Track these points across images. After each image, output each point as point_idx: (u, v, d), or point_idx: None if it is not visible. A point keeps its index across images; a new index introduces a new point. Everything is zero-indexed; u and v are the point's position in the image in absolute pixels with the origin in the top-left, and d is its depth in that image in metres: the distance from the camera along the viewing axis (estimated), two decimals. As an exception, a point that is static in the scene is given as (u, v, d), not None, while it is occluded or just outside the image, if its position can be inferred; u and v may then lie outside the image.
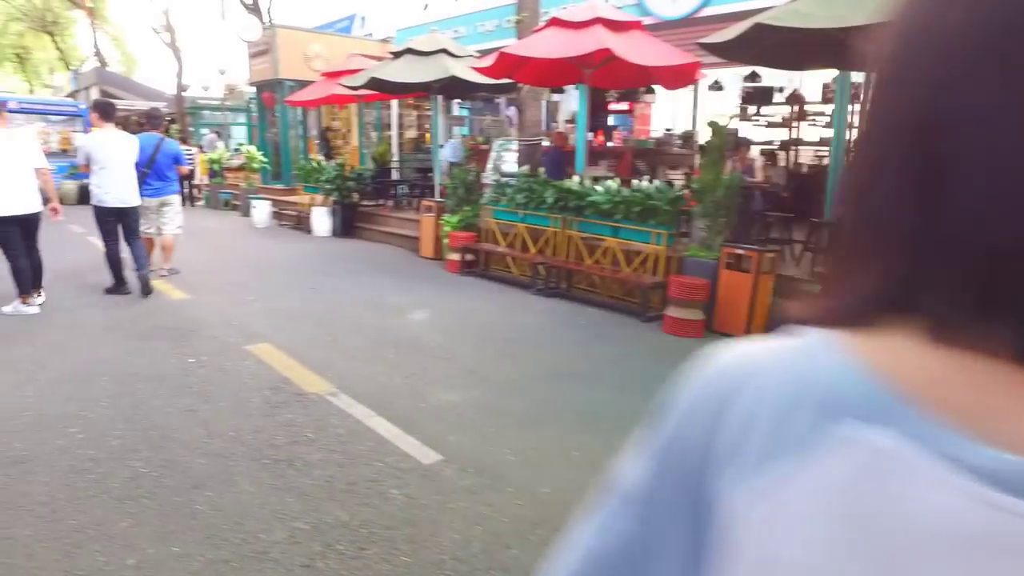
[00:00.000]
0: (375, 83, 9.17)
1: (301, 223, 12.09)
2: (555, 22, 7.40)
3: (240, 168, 16.46)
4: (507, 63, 7.63)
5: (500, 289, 7.28)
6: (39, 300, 5.89)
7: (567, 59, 7.52)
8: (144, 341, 4.87)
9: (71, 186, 16.08)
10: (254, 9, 17.11)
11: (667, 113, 17.75)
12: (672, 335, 5.82)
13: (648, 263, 6.76)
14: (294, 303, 6.13)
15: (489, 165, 11.28)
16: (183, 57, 21.90)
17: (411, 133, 16.49)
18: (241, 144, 18.20)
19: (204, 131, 24.38)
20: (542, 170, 8.01)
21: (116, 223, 6.42)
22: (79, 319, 5.47)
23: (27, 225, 5.67)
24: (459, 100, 15.50)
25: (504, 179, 8.35)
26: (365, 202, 12.03)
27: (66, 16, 35.34)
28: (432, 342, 5.07)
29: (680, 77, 8.01)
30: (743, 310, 5.90)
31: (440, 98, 11.09)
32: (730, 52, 6.77)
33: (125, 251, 6.41)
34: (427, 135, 16.57)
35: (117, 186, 6.28)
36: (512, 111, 16.71)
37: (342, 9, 21.90)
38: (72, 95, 34.06)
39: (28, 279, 5.70)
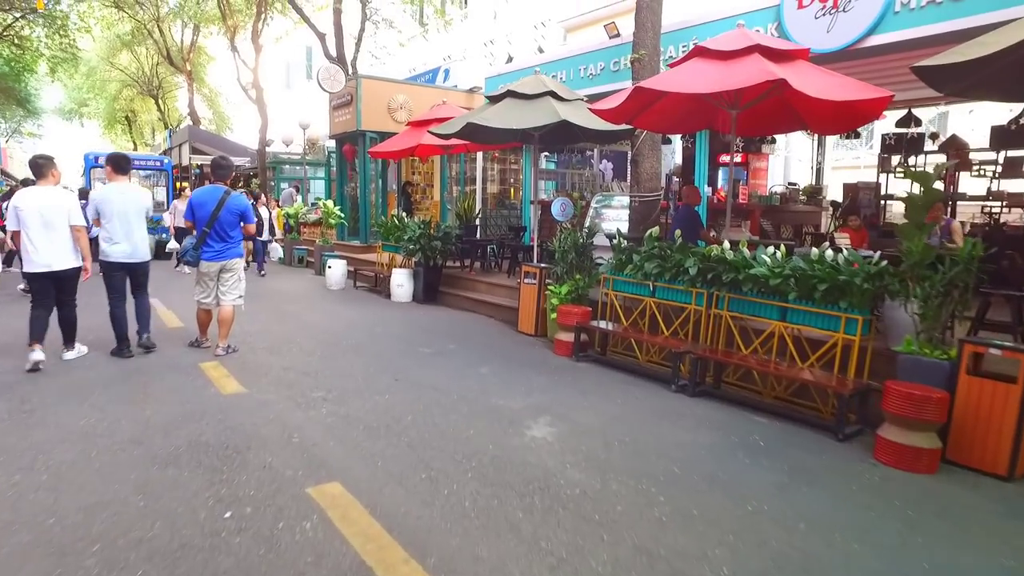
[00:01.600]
0: (470, 130, 7.97)
1: (379, 285, 10.92)
2: (700, 52, 5.95)
3: (316, 223, 15.74)
4: (640, 101, 6.23)
5: (629, 382, 5.68)
6: (70, 354, 5.91)
7: (707, 98, 6.09)
8: (171, 468, 3.51)
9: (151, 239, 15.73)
10: (338, 61, 16.66)
11: (776, 165, 16.08)
12: (891, 467, 4.05)
13: (835, 357, 5.04)
14: (374, 404, 4.71)
15: (586, 223, 9.81)
16: (267, 112, 21.85)
17: (493, 188, 15.38)
18: (319, 198, 17.59)
19: (284, 185, 24.29)
20: (678, 233, 6.47)
21: (123, 279, 6.17)
22: (101, 422, 4.22)
23: (60, 282, 5.74)
24: (547, 153, 14.34)
25: (621, 242, 6.85)
26: (449, 263, 10.79)
27: (170, 80, 37.10)
28: (572, 486, 3.49)
29: (848, 117, 6.37)
30: (1002, 436, 4.08)
31: (533, 149, 9.88)
32: (946, 80, 5.14)
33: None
34: (512, 190, 15.42)
35: (122, 240, 6.04)
36: (605, 164, 15.39)
37: (426, 63, 21.49)
38: (167, 152, 35.48)
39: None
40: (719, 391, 5.46)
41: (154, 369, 5.54)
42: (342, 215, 14.58)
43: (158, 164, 17.53)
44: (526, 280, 7.83)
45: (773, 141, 12.31)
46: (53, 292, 5.72)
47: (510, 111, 7.76)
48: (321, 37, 17.21)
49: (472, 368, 5.90)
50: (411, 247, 10.02)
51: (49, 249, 5.56)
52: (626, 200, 10.27)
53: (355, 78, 13.79)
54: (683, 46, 9.27)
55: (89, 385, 5.08)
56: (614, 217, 10.44)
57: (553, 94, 7.96)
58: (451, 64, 20.17)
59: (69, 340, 5.95)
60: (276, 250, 14.22)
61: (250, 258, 12.02)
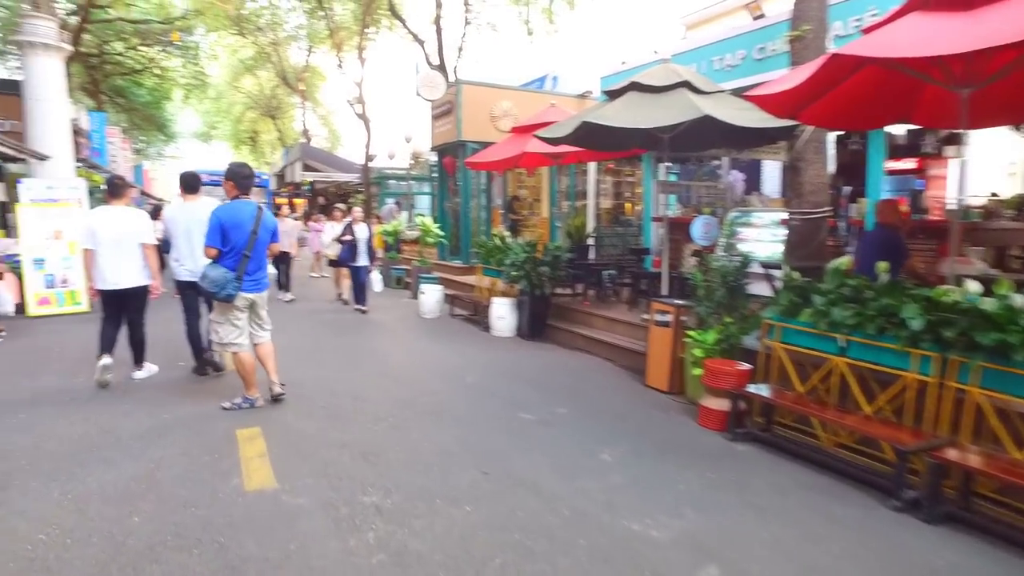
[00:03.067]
0: (584, 132, 6.44)
1: (478, 314, 9.59)
2: (919, 4, 4.11)
3: (416, 241, 14.78)
4: (823, 80, 4.48)
5: (818, 488, 3.88)
6: (140, 374, 6.02)
7: (916, 75, 4.27)
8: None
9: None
10: (440, 68, 15.71)
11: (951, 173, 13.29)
12: None
13: None
14: (447, 527, 3.21)
15: (719, 245, 7.94)
16: (372, 127, 21.43)
17: (606, 202, 13.71)
18: (420, 215, 16.70)
19: (388, 200, 23.84)
20: (883, 266, 4.59)
21: (195, 297, 6.02)
22: (60, 533, 3.03)
23: (127, 299, 5.85)
24: (669, 163, 12.51)
25: (792, 275, 5.05)
26: (559, 290, 9.28)
27: (287, 101, 38.41)
28: None
29: None
30: None
31: (654, 157, 8.19)
32: None
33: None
34: (628, 205, 13.71)
35: (187, 259, 5.90)
36: (735, 175, 13.32)
37: (532, 72, 20.22)
38: (282, 170, 36.67)
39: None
40: (971, 515, 3.56)
41: (182, 432, 4.41)
42: (442, 233, 13.48)
43: (256, 180, 17.29)
44: (657, 320, 6.17)
45: (959, 142, 9.85)
46: (121, 309, 5.85)
47: (634, 108, 6.16)
48: (421, 44, 16.38)
49: (590, 452, 4.32)
50: (514, 273, 8.61)
51: (118, 267, 5.69)
52: (770, 217, 8.35)
53: (455, 84, 12.68)
54: (854, 21, 7.32)
55: (96, 446, 4.09)
56: (754, 238, 8.54)
57: (688, 85, 6.29)
58: (559, 71, 18.77)
59: (138, 360, 6.08)
60: (377, 281, 12.26)
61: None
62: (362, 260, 10.27)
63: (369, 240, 10.38)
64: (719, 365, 5.02)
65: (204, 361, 6.16)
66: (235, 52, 32.25)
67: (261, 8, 25.89)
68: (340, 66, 23.78)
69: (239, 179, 5.16)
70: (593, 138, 7.13)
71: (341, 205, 11.95)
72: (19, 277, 9.41)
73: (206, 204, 6.02)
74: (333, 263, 11.35)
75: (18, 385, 5.73)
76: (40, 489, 3.55)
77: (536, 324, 8.60)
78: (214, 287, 4.80)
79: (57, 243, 9.54)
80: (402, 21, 17.59)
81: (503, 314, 8.72)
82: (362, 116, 21.72)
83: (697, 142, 7.55)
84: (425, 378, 6.22)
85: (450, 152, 13.65)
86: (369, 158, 22.58)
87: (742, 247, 7.72)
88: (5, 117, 16.96)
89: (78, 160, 20.12)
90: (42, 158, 13.70)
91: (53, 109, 15.31)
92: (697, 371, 5.34)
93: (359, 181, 24.74)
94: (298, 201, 31.87)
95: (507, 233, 12.43)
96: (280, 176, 37.35)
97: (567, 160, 9.88)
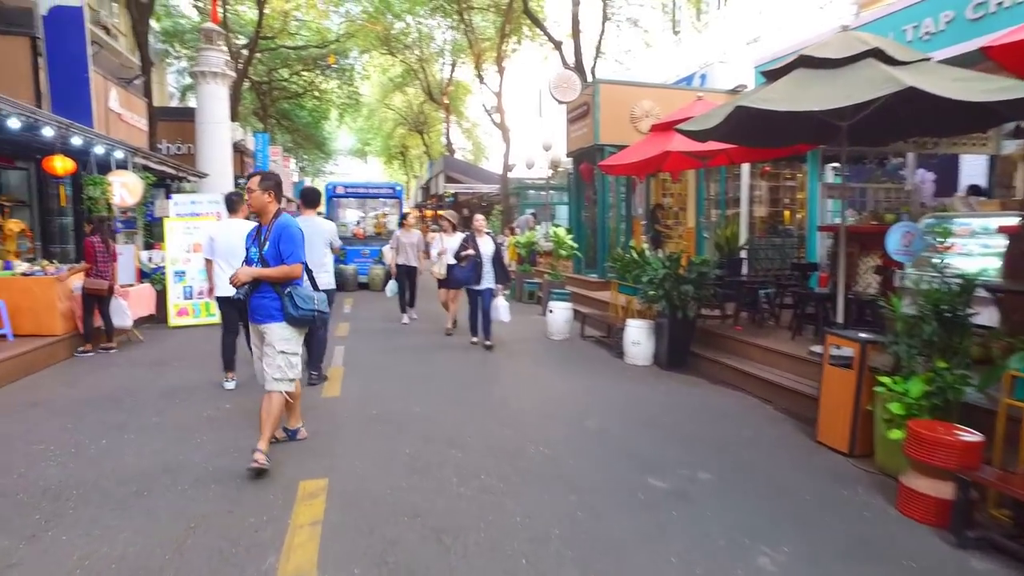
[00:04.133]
0: (738, 121, 5.20)
1: (611, 337, 8.53)
2: None
3: (551, 254, 13.96)
4: None
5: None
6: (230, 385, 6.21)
7: None
8: None
9: (378, 271, 15.47)
10: (576, 69, 14.82)
11: None
12: None
13: None
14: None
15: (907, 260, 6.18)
16: (510, 136, 21.01)
17: (761, 210, 11.98)
18: (557, 225, 15.90)
19: (530, 210, 23.31)
20: None
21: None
22: None
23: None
24: (836, 163, 10.63)
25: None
26: (705, 312, 7.99)
27: (433, 116, 39.59)
28: None
29: None
30: None
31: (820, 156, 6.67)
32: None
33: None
34: (786, 212, 11.92)
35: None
36: (923, 175, 11.08)
37: (679, 69, 18.70)
38: (427, 182, 37.75)
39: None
40: None
41: (241, 479, 3.84)
42: (575, 244, 12.54)
43: (389, 191, 17.39)
44: (833, 357, 4.78)
45: None
46: (238, 317, 6.11)
47: (804, 87, 4.84)
48: (558, 45, 15.60)
49: (742, 551, 3.16)
50: (651, 292, 7.46)
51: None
52: (981, 223, 6.52)
53: (592, 84, 11.71)
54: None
55: (149, 490, 3.61)
56: (959, 250, 6.70)
57: (879, 54, 4.84)
58: (709, 68, 17.12)
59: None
60: (505, 309, 8.46)
61: None
62: (486, 282, 8.24)
63: (497, 255, 8.40)
64: (933, 430, 3.61)
65: (318, 370, 6.44)
66: (385, 71, 33.67)
67: (408, 27, 26.62)
68: (480, 77, 23.72)
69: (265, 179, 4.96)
70: (747, 132, 5.88)
71: (449, 213, 10.41)
72: (162, 288, 9.80)
73: (320, 220, 6.50)
74: (442, 283, 9.62)
75: (120, 403, 5.61)
76: (66, 540, 3.13)
77: (677, 351, 7.39)
78: (323, 305, 4.26)
79: (196, 256, 9.83)
80: (539, 25, 16.97)
81: (639, 339, 7.60)
82: (500, 125, 21.41)
83: (885, 130, 6.02)
84: (539, 420, 5.29)
85: (586, 158, 12.71)
86: (507, 168, 22.23)
87: (943, 262, 6.03)
88: (182, 141, 18.56)
89: (242, 177, 21.68)
90: (201, 176, 14.62)
91: (219, 131, 16.46)
92: (895, 434, 3.94)
93: (499, 192, 24.52)
94: (409, 211, 32.45)
95: (647, 245, 11.24)
96: (425, 188, 38.50)
97: (716, 162, 8.56)
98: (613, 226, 13.14)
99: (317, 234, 6.29)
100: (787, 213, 11.84)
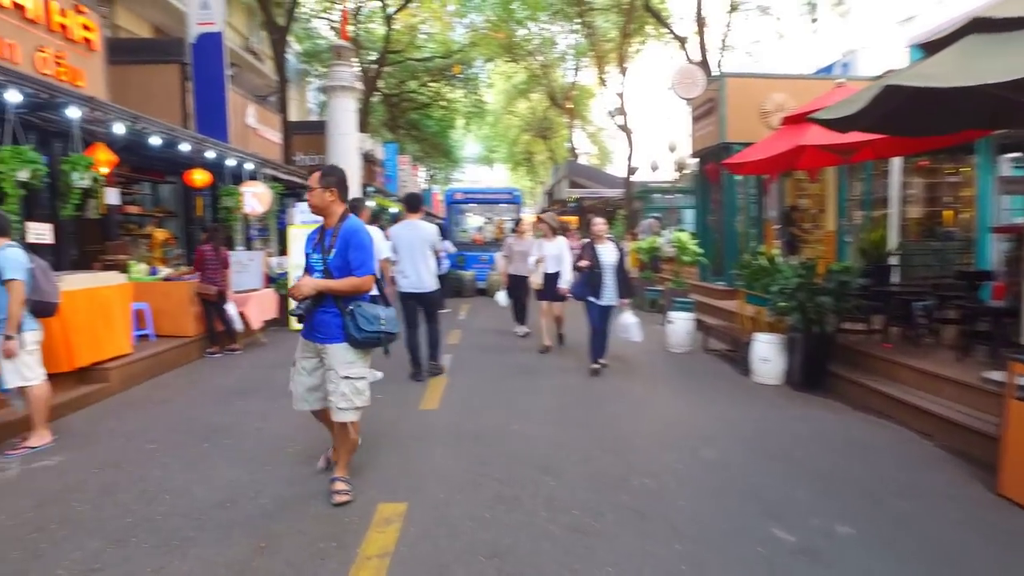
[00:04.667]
0: (886, 100, 4.39)
1: (738, 351, 7.75)
2: None
3: (672, 260, 13.18)
4: None
5: None
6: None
7: None
8: None
9: (497, 277, 15.38)
10: (701, 65, 13.92)
11: None
12: None
13: None
14: None
15: None
16: (634, 139, 20.31)
17: (915, 211, 10.47)
18: (681, 230, 15.03)
19: (654, 214, 22.43)
20: None
21: (415, 309, 6.77)
22: None
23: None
24: (1016, 153, 9.02)
25: None
26: (848, 325, 7.04)
27: (557, 121, 39.53)
28: None
29: None
30: None
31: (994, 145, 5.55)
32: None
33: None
34: (948, 212, 10.38)
35: (410, 273, 6.60)
36: None
37: (816, 60, 17.10)
38: (551, 187, 37.64)
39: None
40: None
41: (319, 499, 3.66)
42: (700, 250, 11.71)
43: (508, 196, 17.29)
44: (1020, 388, 3.87)
45: None
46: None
47: (979, 57, 3.96)
48: (682, 42, 14.77)
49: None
50: (782, 303, 6.65)
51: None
52: None
53: (718, 79, 10.89)
54: None
55: (226, 510, 3.43)
56: None
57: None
58: (852, 56, 15.46)
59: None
60: (636, 327, 7.30)
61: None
62: (607, 296, 7.04)
63: (620, 266, 7.17)
64: None
65: (420, 368, 6.83)
66: (509, 78, 33.99)
67: (530, 33, 26.65)
68: (602, 80, 23.19)
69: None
70: (900, 118, 5.01)
71: (548, 216, 9.53)
72: (284, 293, 10.24)
73: (423, 224, 6.78)
74: (540, 295, 8.63)
75: (230, 405, 5.75)
76: (147, 548, 3.10)
77: (813, 371, 6.52)
78: (391, 324, 3.73)
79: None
80: (662, 21, 16.22)
81: (768, 355, 6.81)
82: (623, 128, 20.77)
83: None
84: (647, 446, 4.76)
85: (712, 158, 11.85)
86: (631, 171, 21.52)
87: None
88: (315, 152, 19.64)
89: (371, 186, 22.63)
90: (329, 186, 15.28)
91: (347, 141, 17.24)
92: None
93: (623, 196, 23.83)
94: (570, 218, 32.21)
95: (781, 250, 10.22)
96: (549, 194, 38.43)
97: (860, 156, 7.54)
98: (742, 230, 12.15)
99: (419, 238, 6.66)
100: (948, 213, 10.32)
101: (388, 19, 22.25)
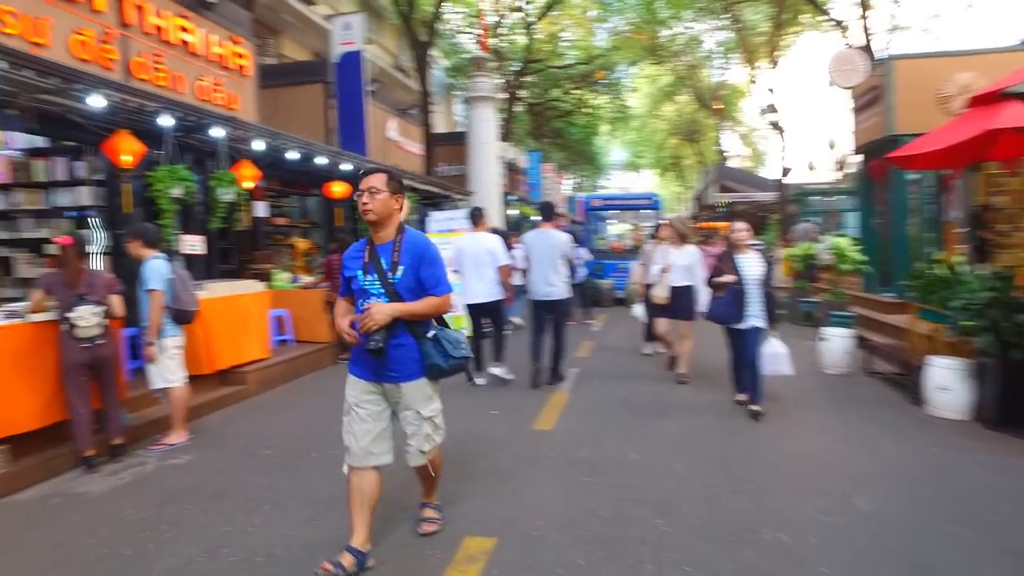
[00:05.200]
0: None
1: (908, 375, 6.61)
2: None
3: (830, 268, 11.80)
4: None
5: None
6: (497, 370, 7.08)
7: None
8: None
9: (634, 287, 14.72)
10: (864, 50, 12.36)
11: None
12: None
13: None
14: None
15: None
16: (787, 137, 18.72)
17: None
18: (841, 235, 13.47)
19: (812, 218, 20.53)
20: None
21: (542, 315, 6.94)
22: None
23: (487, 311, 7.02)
24: None
25: None
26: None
27: (706, 123, 37.85)
28: None
29: None
30: None
31: None
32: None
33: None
34: None
35: (539, 281, 6.79)
36: None
37: (1016, 30, 14.58)
38: (700, 192, 35.97)
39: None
40: None
41: (410, 529, 3.40)
42: (862, 257, 10.33)
43: (647, 202, 16.56)
44: None
45: None
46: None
47: None
48: (842, 27, 13.27)
49: None
50: (968, 321, 5.53)
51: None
52: None
53: (883, 62, 9.55)
54: None
55: (306, 521, 3.25)
56: None
57: None
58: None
59: (499, 358, 7.13)
60: (785, 358, 5.99)
61: None
62: (752, 318, 5.72)
63: (767, 280, 5.85)
64: None
65: (539, 374, 6.88)
66: (653, 81, 33.02)
67: (675, 34, 25.62)
68: (752, 78, 21.67)
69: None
70: None
71: (676, 219, 8.32)
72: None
73: (554, 233, 6.87)
74: (662, 310, 7.43)
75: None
76: (222, 573, 3.00)
77: (1011, 406, 5.33)
78: (467, 348, 3.21)
79: (448, 271, 10.20)
80: (818, 6, 14.72)
81: (948, 383, 5.70)
82: (775, 126, 19.21)
83: None
84: (786, 488, 4.05)
85: (877, 153, 10.42)
86: (784, 172, 19.86)
87: None
88: (457, 162, 20.15)
89: (512, 194, 22.84)
90: (467, 194, 15.55)
91: (488, 150, 17.51)
92: None
93: (776, 200, 22.09)
94: (719, 224, 30.54)
95: (966, 257, 8.71)
96: (698, 199, 36.73)
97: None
98: (914, 234, 10.57)
99: (551, 246, 6.77)
100: None
101: (528, 27, 22.38)
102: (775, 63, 19.00)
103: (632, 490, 3.99)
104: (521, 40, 24.52)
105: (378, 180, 3.03)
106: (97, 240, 7.10)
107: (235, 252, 8.65)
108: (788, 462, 4.56)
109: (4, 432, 4.38)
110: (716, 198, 28.76)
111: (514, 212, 24.02)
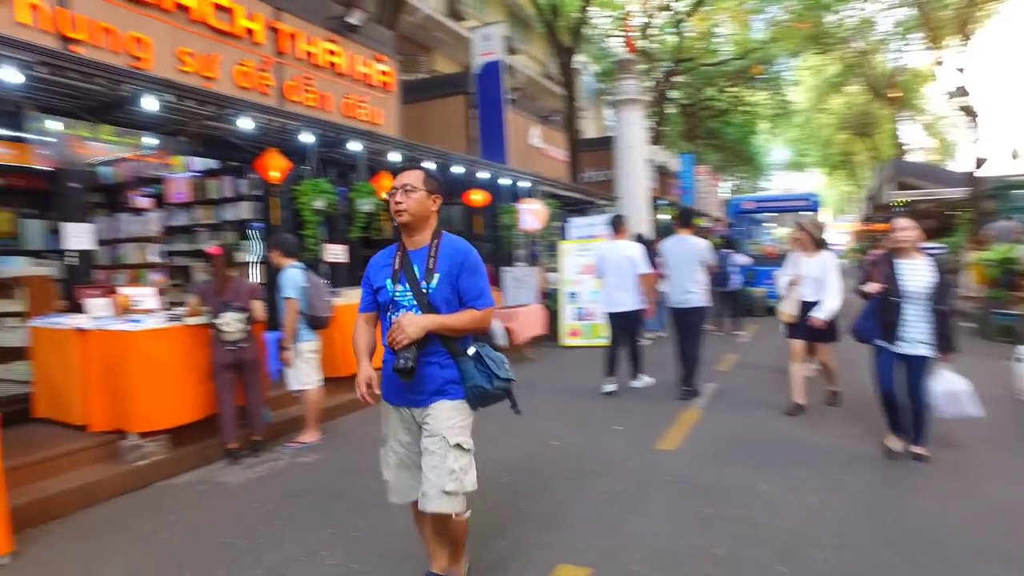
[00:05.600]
0: None
1: None
2: None
3: (1032, 276, 10.02)
4: None
5: None
6: (637, 383, 7.12)
7: None
8: None
9: (760, 292, 13.72)
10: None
11: None
12: None
13: None
14: None
15: None
16: (982, 123, 16.31)
17: None
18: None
19: (1017, 215, 17.73)
20: None
21: (680, 323, 6.76)
22: None
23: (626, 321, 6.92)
24: None
25: None
26: None
27: (880, 114, 34.29)
28: None
29: None
30: None
31: None
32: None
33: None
34: None
35: (676, 288, 6.67)
36: None
37: None
38: (874, 191, 32.55)
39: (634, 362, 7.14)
40: None
41: (488, 550, 3.24)
42: (1078, 263, 8.65)
43: (804, 203, 15.20)
44: None
45: None
46: (623, 329, 6.94)
47: None
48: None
49: None
50: None
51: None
52: None
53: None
54: None
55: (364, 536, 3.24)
56: None
57: None
58: None
59: (637, 369, 7.14)
60: (966, 396, 4.54)
61: None
62: (913, 340, 4.49)
63: (938, 295, 4.44)
64: None
65: (688, 388, 6.67)
66: (818, 72, 30.46)
67: (843, 17, 23.39)
68: (938, 60, 19.13)
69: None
70: None
71: (809, 223, 6.66)
72: (549, 310, 10.29)
73: (692, 240, 6.70)
74: (793, 330, 6.10)
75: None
76: None
77: None
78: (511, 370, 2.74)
79: (587, 278, 10.01)
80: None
81: None
82: (968, 111, 16.81)
83: None
84: (954, 544, 3.28)
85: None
86: (978, 163, 17.32)
87: None
88: (605, 168, 19.85)
89: (662, 198, 22.10)
90: (611, 200, 15.23)
91: (635, 154, 17.06)
92: None
93: (968, 195, 19.34)
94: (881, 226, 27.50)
95: None
96: (871, 199, 33.27)
97: None
98: None
99: (690, 253, 6.63)
100: None
101: (678, 24, 21.58)
102: (967, 39, 16.63)
103: (754, 525, 3.54)
104: (671, 39, 23.71)
105: (414, 177, 2.64)
106: (255, 250, 7.81)
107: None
108: (960, 508, 3.79)
109: (166, 424, 4.89)
110: (892, 196, 25.85)
111: (664, 217, 23.24)
